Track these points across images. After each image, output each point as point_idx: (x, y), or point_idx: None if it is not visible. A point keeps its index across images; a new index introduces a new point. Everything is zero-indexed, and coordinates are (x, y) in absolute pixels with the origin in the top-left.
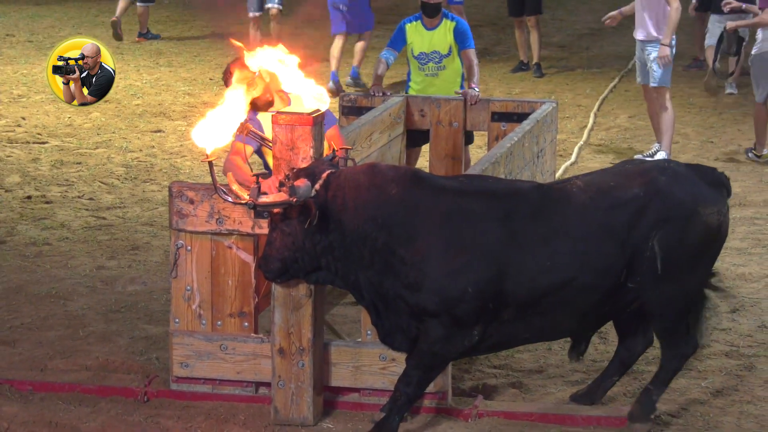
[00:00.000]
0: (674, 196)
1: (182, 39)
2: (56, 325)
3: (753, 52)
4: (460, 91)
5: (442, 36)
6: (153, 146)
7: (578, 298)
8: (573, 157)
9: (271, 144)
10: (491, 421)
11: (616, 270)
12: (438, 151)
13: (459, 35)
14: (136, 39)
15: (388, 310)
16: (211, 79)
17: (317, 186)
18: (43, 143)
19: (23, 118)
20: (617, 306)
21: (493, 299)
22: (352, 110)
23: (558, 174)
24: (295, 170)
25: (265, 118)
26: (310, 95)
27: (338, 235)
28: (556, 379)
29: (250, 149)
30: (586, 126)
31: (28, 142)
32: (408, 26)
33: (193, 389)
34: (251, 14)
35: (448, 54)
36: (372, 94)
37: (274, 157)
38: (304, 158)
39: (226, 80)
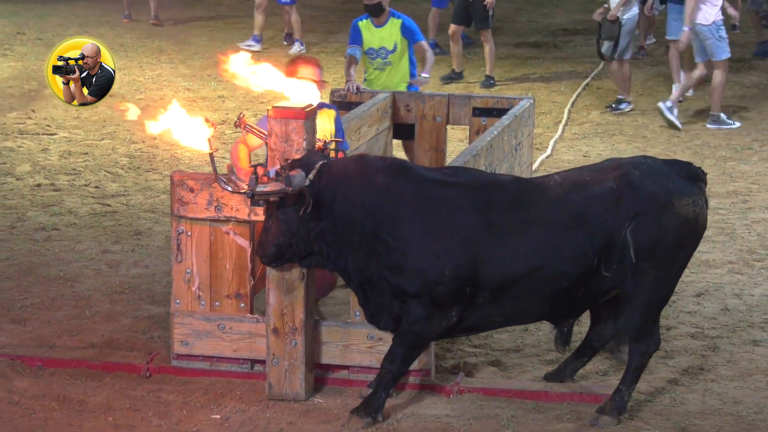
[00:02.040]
0: (647, 189)
1: (182, 37)
2: (64, 305)
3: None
4: (412, 80)
5: (388, 33)
6: (155, 138)
7: (550, 284)
8: (548, 150)
9: (266, 136)
10: (472, 396)
11: (588, 259)
12: (423, 144)
13: (406, 31)
14: (152, 22)
15: (374, 292)
16: (209, 75)
17: (311, 176)
18: (52, 135)
19: (33, 111)
20: (594, 293)
21: (469, 283)
22: (342, 105)
23: (534, 166)
24: (289, 161)
25: None
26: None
27: (330, 222)
28: (532, 358)
29: (257, 141)
30: (560, 121)
31: (38, 134)
32: (360, 24)
33: (193, 366)
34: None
35: (394, 50)
36: (347, 89)
37: (269, 148)
38: (297, 150)
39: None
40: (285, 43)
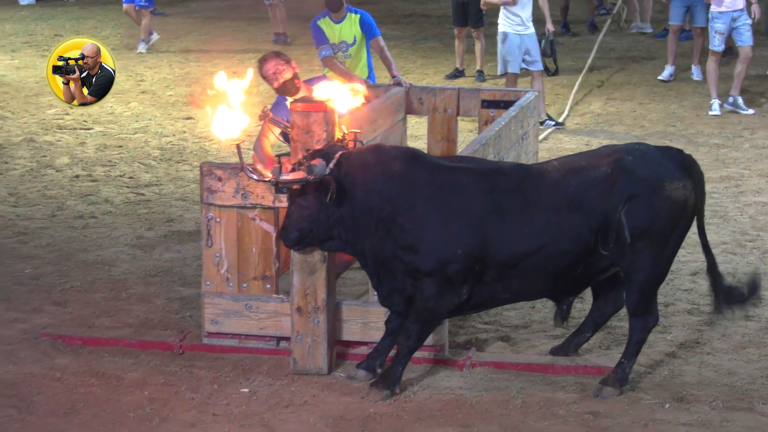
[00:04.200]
0: (639, 173)
1: (208, 38)
2: (102, 288)
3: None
4: (393, 81)
5: (348, 28)
6: (184, 131)
7: (552, 262)
8: (545, 134)
9: (289, 128)
10: (483, 370)
11: (585, 238)
12: (434, 135)
13: (365, 26)
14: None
15: (387, 274)
16: (234, 73)
17: (331, 165)
18: (89, 129)
19: (71, 108)
20: (593, 271)
21: (479, 261)
22: None
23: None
24: (311, 151)
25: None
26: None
27: (349, 208)
28: (540, 333)
29: (276, 131)
30: (563, 112)
31: (75, 129)
32: (320, 22)
33: (222, 343)
34: (267, 2)
35: (353, 43)
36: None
37: (291, 139)
38: (318, 141)
39: (260, 67)
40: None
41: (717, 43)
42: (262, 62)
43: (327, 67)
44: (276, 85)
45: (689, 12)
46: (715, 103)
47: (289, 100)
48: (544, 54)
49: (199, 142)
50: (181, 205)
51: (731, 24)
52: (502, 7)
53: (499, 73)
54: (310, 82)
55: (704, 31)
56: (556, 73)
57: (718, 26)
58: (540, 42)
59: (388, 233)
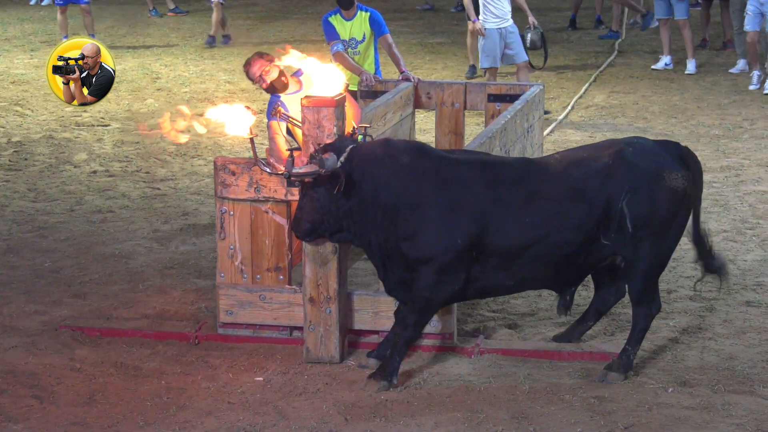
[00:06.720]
0: (639, 164)
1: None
2: (119, 280)
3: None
4: (401, 76)
5: (358, 25)
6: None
7: (555, 251)
8: (549, 129)
9: (299, 123)
10: (491, 357)
11: (587, 227)
12: (442, 128)
13: (374, 23)
14: (168, 14)
15: (392, 266)
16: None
17: (342, 158)
18: (106, 126)
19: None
20: (594, 259)
21: (478, 250)
22: (368, 94)
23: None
24: (322, 145)
25: (287, 99)
26: (327, 78)
27: (357, 200)
28: (546, 321)
29: (283, 127)
30: (567, 105)
31: (93, 125)
32: (331, 19)
33: (237, 333)
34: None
35: (363, 40)
36: (364, 79)
37: (303, 134)
38: (328, 135)
39: (247, 71)
40: (223, 43)
41: (746, 22)
42: (247, 66)
43: (338, 62)
44: (264, 86)
45: (672, 6)
46: (755, 76)
47: (282, 96)
48: (533, 47)
49: (213, 137)
50: (196, 199)
51: (760, 8)
52: (483, 2)
53: (480, 68)
54: (297, 74)
55: (687, 23)
56: (543, 66)
57: (749, 7)
58: (525, 35)
59: (391, 224)
